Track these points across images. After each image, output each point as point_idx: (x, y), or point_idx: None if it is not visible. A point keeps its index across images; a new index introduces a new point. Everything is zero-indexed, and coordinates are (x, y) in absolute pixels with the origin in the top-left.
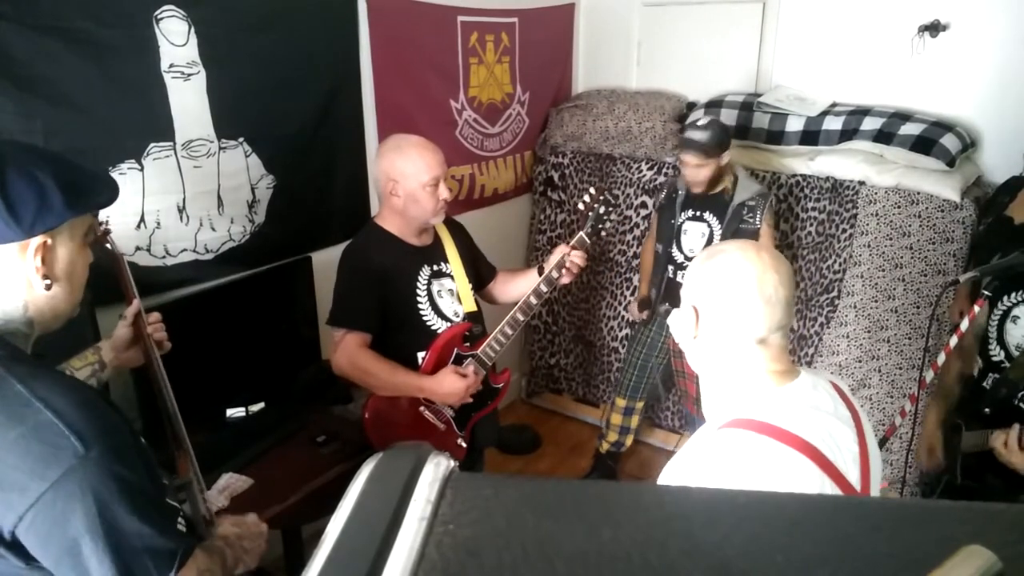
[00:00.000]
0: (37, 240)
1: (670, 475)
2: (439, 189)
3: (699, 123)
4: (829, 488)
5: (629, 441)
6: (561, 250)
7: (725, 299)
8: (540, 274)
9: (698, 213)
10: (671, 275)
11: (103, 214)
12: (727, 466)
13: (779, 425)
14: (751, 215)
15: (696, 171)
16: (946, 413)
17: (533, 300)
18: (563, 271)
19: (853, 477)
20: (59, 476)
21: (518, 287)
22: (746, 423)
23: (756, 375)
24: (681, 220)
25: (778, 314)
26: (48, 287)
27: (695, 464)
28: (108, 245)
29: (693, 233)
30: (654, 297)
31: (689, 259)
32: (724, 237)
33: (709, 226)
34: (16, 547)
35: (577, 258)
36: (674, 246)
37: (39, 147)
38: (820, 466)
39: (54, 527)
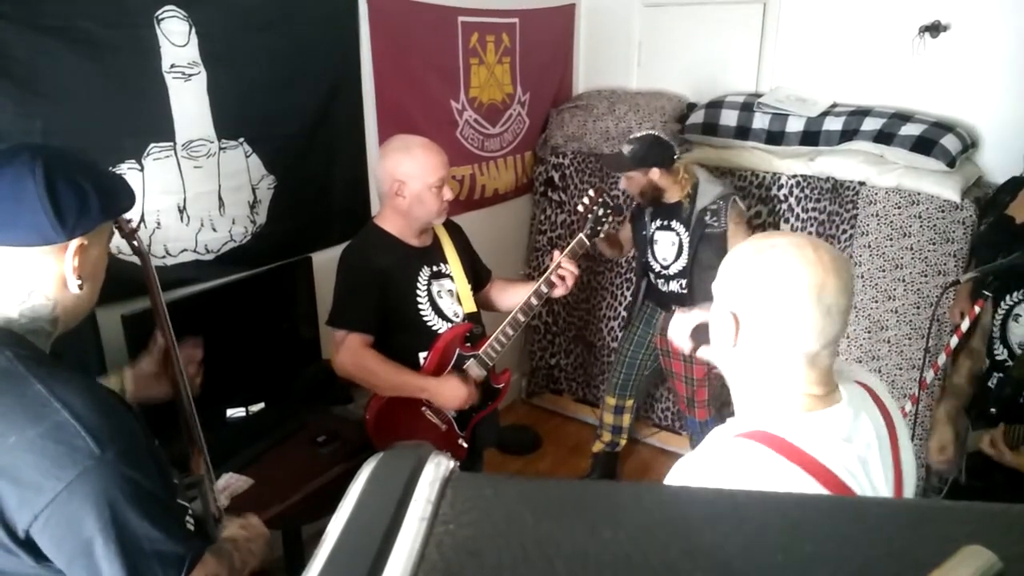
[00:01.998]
0: (76, 242)
1: (678, 475)
2: (443, 190)
3: (632, 136)
4: None
5: (623, 441)
6: (559, 256)
7: (775, 307)
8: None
9: (666, 223)
10: (652, 280)
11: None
12: (731, 478)
13: (804, 449)
14: (714, 219)
15: (625, 182)
16: (956, 410)
17: (534, 301)
18: (557, 281)
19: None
20: (74, 477)
21: (514, 296)
22: (768, 438)
23: (792, 395)
24: (651, 230)
25: (836, 326)
26: (80, 287)
27: (705, 469)
28: (135, 243)
29: (664, 243)
30: (636, 300)
31: (665, 267)
32: (692, 244)
33: (678, 235)
34: (30, 546)
35: (570, 266)
36: (649, 256)
37: (76, 153)
38: None
39: (68, 528)
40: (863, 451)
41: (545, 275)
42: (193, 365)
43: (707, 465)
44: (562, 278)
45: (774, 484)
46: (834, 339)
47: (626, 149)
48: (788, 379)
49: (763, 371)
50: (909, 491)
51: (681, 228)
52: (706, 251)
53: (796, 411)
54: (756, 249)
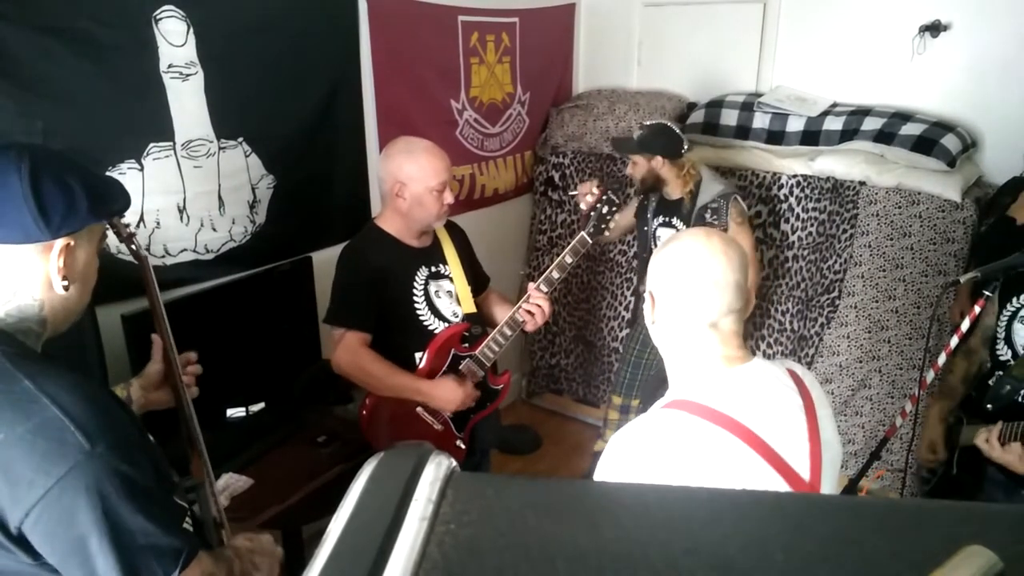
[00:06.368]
0: (61, 242)
1: (610, 449)
2: (444, 194)
3: (645, 122)
4: (767, 473)
5: None
6: (531, 287)
7: (677, 284)
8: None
9: (667, 219)
10: None
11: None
12: (660, 445)
13: (718, 408)
14: (714, 216)
15: (630, 167)
16: (948, 411)
17: (508, 331)
18: (527, 316)
19: (800, 465)
20: (65, 472)
21: (499, 317)
22: (685, 404)
23: (707, 358)
24: (653, 227)
25: (727, 297)
26: (66, 288)
27: (632, 441)
28: (133, 247)
29: (665, 239)
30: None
31: None
32: None
33: (678, 231)
34: (23, 543)
35: (540, 301)
36: (651, 251)
37: (67, 153)
38: (759, 452)
39: (60, 523)
40: (774, 407)
41: (517, 306)
42: (189, 377)
43: (635, 436)
44: (531, 313)
45: (694, 444)
46: (729, 308)
47: (636, 134)
48: (700, 345)
49: (678, 341)
50: (828, 463)
51: (681, 225)
52: None
53: (716, 371)
54: (664, 243)
